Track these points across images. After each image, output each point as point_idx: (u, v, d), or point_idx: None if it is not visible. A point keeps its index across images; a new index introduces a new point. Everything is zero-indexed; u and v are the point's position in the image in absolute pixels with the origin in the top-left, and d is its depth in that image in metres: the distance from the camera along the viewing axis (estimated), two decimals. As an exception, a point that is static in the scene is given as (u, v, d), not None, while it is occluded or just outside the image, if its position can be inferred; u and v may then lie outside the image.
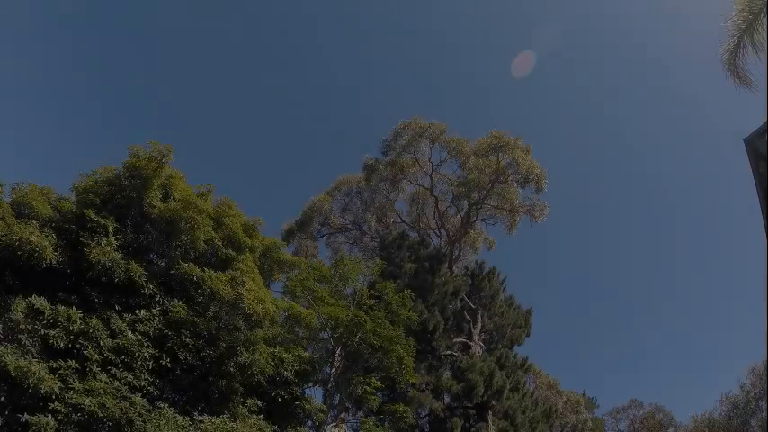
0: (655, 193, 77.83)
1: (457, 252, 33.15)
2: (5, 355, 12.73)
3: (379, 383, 20.87)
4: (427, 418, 26.48)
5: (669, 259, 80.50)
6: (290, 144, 77.56)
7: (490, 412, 24.87)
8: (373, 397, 20.90)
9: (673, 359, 70.39)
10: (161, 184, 16.97)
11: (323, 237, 36.14)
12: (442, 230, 34.24)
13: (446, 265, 29.96)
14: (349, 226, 36.25)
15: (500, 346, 28.22)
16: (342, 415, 21.46)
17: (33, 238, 13.93)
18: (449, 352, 27.21)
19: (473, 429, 24.85)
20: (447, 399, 26.25)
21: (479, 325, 28.32)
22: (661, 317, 75.51)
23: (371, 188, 33.76)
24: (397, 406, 21.73)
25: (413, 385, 23.57)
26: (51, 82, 65.34)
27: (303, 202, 35.36)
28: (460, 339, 28.04)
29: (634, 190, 75.87)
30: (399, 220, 35.02)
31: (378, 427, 20.71)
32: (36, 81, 64.18)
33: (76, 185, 17.16)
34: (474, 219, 32.33)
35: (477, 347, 27.23)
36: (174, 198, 17.22)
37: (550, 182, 29.66)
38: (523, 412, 25.66)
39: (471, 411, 25.31)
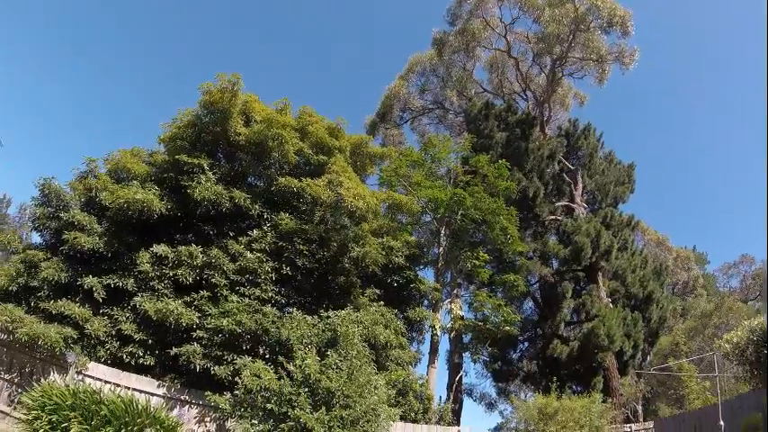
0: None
1: (547, 113, 31.62)
2: (143, 303, 14.15)
3: (486, 256, 21.27)
4: (537, 284, 26.81)
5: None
6: (354, 38, 75.22)
7: (599, 273, 24.73)
8: (483, 270, 21.42)
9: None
10: (240, 111, 17.36)
11: (406, 123, 35.62)
12: (528, 93, 32.56)
13: (537, 128, 28.84)
14: (430, 106, 35.34)
15: (604, 205, 27.35)
16: (455, 291, 22.25)
17: (138, 196, 14.94)
18: (552, 217, 26.86)
19: (584, 292, 25.01)
20: (555, 264, 26.20)
21: (580, 186, 27.46)
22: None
23: (446, 62, 32.24)
24: (506, 276, 22.12)
25: (520, 254, 23.72)
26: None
27: (379, 92, 34.76)
28: (563, 203, 27.49)
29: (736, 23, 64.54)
30: (481, 90, 33.53)
31: (490, 298, 21.29)
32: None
33: (162, 137, 18.07)
34: (560, 75, 30.26)
35: (580, 209, 26.62)
36: (255, 120, 17.61)
37: (637, 24, 26.71)
38: (633, 271, 25.27)
39: (581, 274, 25.33)
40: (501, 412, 27.36)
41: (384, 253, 17.20)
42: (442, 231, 21.39)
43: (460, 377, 23.27)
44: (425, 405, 16.80)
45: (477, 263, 20.96)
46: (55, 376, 13.22)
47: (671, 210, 69.42)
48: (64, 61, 71.46)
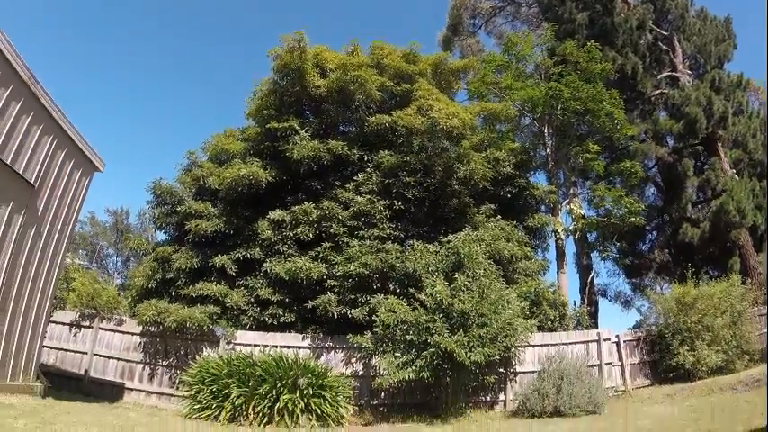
0: None
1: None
2: (273, 266, 14.75)
3: (596, 147, 20.12)
4: (655, 167, 25.39)
5: None
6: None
7: (719, 144, 22.68)
8: (596, 163, 20.32)
9: None
10: (313, 66, 17.25)
11: (480, 29, 34.05)
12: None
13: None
14: (500, 4, 33.31)
15: (708, 68, 24.62)
16: (571, 190, 21.30)
17: (243, 172, 15.44)
18: (657, 92, 24.87)
19: (706, 167, 23.17)
20: (670, 142, 24.56)
21: (679, 52, 24.97)
22: None
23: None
24: (622, 164, 20.96)
25: (631, 138, 22.35)
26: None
27: (444, 5, 33.49)
28: (665, 74, 25.23)
29: None
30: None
31: (609, 190, 20.27)
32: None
33: (248, 112, 18.52)
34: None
35: (684, 77, 24.30)
36: (330, 70, 17.46)
37: None
38: (754, 136, 22.91)
39: (699, 148, 23.55)
40: (638, 309, 26.45)
41: (491, 166, 16.68)
42: (545, 130, 20.40)
43: (592, 278, 22.54)
44: (561, 312, 16.48)
45: (588, 156, 19.85)
46: (208, 351, 14.18)
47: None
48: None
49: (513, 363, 13.74)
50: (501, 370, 13.61)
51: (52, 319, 14.53)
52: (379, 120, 16.24)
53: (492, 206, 16.75)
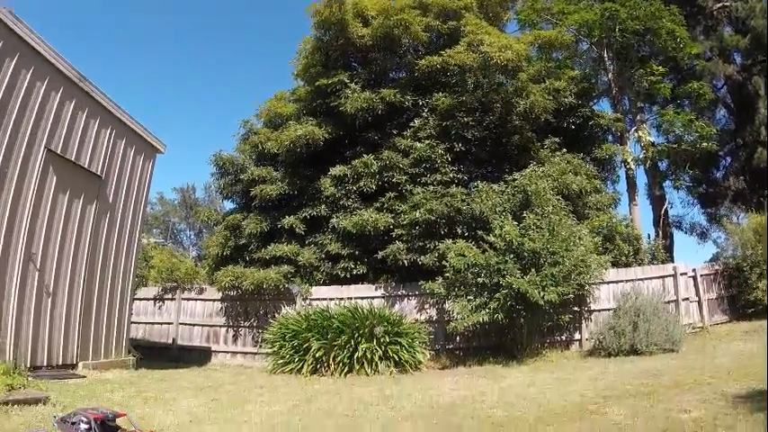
0: None
1: None
2: (340, 221, 14.86)
3: (660, 68, 19.02)
4: (725, 87, 23.91)
5: None
6: None
7: (790, 59, 20.85)
8: (661, 85, 19.30)
9: None
10: (354, 16, 16.88)
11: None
12: None
13: None
14: None
15: (772, -24, 22.64)
16: (638, 117, 20.32)
17: (300, 132, 15.46)
18: (719, 5, 23.06)
19: (777, 86, 21.40)
20: (738, 59, 22.97)
21: (739, -42, 23.01)
22: None
23: None
24: (689, 85, 19.81)
25: (696, 57, 20.99)
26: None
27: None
28: (726, -15, 23.39)
29: None
30: None
31: (678, 114, 19.21)
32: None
33: (295, 72, 18.52)
34: None
35: (749, -13, 22.38)
36: (372, 17, 17.04)
37: None
38: None
39: (769, 64, 21.69)
40: (715, 241, 25.11)
41: (551, 97, 15.94)
42: (605, 55, 19.40)
43: (665, 210, 21.64)
44: (635, 246, 15.90)
45: (652, 79, 18.77)
46: (285, 309, 14.57)
47: None
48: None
49: (588, 301, 13.39)
50: (575, 309, 13.31)
51: (136, 296, 15.28)
52: (429, 62, 15.75)
53: (556, 139, 16.11)
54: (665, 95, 19.64)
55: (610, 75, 19.69)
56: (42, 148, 9.15)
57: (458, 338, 13.71)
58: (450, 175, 14.96)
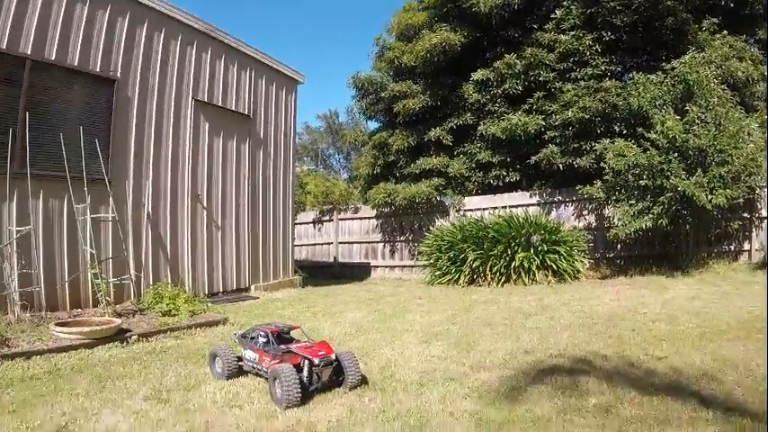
0: None
1: None
2: (488, 128, 14.40)
3: None
4: None
5: None
6: None
7: None
8: None
9: None
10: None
11: None
12: None
13: None
14: None
15: None
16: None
17: (435, 39, 14.82)
18: None
19: None
20: None
21: None
22: None
23: None
24: None
25: None
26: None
27: None
28: None
29: None
30: None
31: None
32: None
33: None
34: None
35: None
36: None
37: None
38: None
39: None
40: None
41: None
42: None
43: None
44: (813, 142, 13.29)
45: None
46: (439, 221, 14.76)
47: None
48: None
49: (759, 206, 11.80)
50: (745, 215, 11.84)
51: (297, 221, 16.50)
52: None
53: (715, 20, 13.61)
54: None
55: None
56: (190, 99, 9.87)
57: (618, 246, 13.00)
58: (602, 68, 13.60)
